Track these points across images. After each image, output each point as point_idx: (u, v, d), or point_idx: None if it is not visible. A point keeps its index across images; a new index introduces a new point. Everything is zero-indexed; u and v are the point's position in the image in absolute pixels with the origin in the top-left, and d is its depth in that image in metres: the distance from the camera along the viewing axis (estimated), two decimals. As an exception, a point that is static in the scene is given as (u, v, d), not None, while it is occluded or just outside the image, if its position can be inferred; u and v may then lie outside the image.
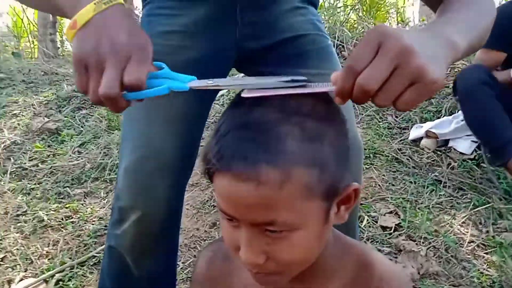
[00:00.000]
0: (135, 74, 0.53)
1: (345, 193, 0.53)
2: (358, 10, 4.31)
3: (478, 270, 1.42)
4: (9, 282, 1.48)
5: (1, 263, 1.58)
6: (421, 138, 2.24)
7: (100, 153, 2.24)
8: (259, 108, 0.49)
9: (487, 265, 1.44)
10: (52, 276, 1.49)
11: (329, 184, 0.50)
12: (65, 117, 2.65)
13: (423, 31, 0.55)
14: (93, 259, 1.58)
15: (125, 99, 0.54)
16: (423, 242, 1.57)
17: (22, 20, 5.58)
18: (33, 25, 5.54)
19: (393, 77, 0.46)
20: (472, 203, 1.75)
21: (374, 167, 2.07)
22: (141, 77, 0.53)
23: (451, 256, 1.50)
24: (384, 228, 1.69)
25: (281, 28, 0.93)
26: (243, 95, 0.50)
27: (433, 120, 2.31)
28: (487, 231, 1.60)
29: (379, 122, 2.48)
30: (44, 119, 2.61)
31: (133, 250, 0.92)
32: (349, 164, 0.54)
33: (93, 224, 1.76)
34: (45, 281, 1.48)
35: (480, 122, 1.82)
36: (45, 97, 2.93)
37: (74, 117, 2.63)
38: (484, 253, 1.50)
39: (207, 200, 1.89)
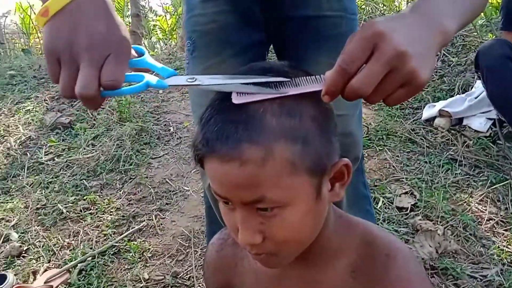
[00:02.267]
0: (113, 74, 0.50)
1: (335, 169, 0.54)
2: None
3: (498, 247, 1.41)
4: (34, 273, 1.52)
5: (25, 255, 1.62)
6: (435, 117, 2.21)
7: (113, 145, 2.26)
8: None
9: (507, 241, 1.43)
10: (75, 266, 1.52)
11: (314, 159, 0.50)
12: (77, 111, 2.67)
13: (415, 15, 0.51)
14: (113, 249, 1.61)
15: (102, 97, 0.52)
16: (440, 222, 1.56)
17: (30, 16, 5.60)
18: (41, 21, 5.54)
19: (386, 80, 0.47)
20: (489, 181, 1.73)
21: (388, 148, 2.06)
22: (119, 78, 0.51)
23: (470, 234, 1.49)
24: (400, 209, 1.69)
25: (307, 0, 0.92)
26: (234, 101, 0.49)
27: (446, 99, 2.28)
28: (506, 208, 1.59)
29: (391, 103, 2.46)
30: (57, 113, 2.64)
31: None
32: (336, 141, 0.54)
33: (111, 215, 1.79)
34: (69, 271, 1.51)
35: (504, 97, 1.78)
36: (56, 92, 2.95)
37: (86, 111, 2.65)
38: (504, 230, 1.49)
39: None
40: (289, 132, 0.48)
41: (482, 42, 2.68)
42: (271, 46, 1.04)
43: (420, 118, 2.26)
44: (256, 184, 0.48)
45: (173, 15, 5.78)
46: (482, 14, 3.40)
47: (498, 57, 1.77)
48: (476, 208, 1.62)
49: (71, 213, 1.80)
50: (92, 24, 0.51)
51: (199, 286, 1.43)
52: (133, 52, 0.56)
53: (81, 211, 1.81)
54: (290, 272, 0.65)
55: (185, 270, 1.51)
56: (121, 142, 2.30)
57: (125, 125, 2.44)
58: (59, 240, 1.66)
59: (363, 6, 3.72)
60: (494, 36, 2.77)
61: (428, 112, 2.25)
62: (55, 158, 2.23)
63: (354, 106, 1.00)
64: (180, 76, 0.54)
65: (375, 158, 2.01)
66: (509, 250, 1.40)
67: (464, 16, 0.55)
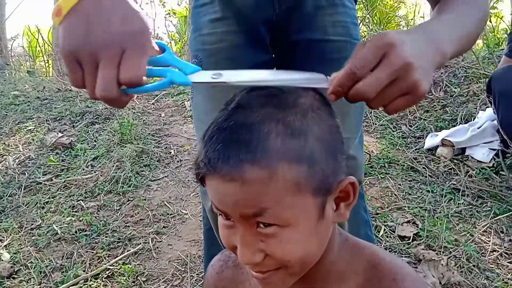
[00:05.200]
0: (132, 70, 0.48)
1: (340, 188, 0.52)
2: (368, 22, 4.32)
3: (502, 279, 1.37)
4: (23, 295, 1.47)
5: (16, 276, 1.57)
6: (437, 147, 2.20)
7: (113, 166, 2.24)
8: (242, 109, 0.50)
9: (511, 274, 1.39)
10: (66, 289, 1.48)
11: (320, 179, 0.49)
12: (79, 132, 2.67)
13: (420, 33, 0.56)
14: (107, 272, 1.56)
15: (125, 94, 0.49)
16: (443, 252, 1.52)
17: (37, 40, 5.70)
18: (48, 45, 5.65)
19: (390, 87, 0.49)
20: (492, 211, 1.70)
21: (390, 177, 2.03)
22: (138, 73, 0.48)
23: (473, 265, 1.45)
24: (402, 237, 1.65)
25: (314, 25, 0.93)
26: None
27: (449, 129, 2.27)
28: (510, 240, 1.55)
29: (393, 131, 2.45)
30: (58, 134, 2.63)
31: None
32: (343, 159, 0.53)
33: (106, 237, 1.75)
34: (59, 294, 1.46)
35: None
36: (59, 113, 2.96)
37: (88, 132, 2.65)
38: (508, 262, 1.45)
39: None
40: (294, 153, 0.47)
41: (484, 74, 2.69)
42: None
43: (422, 147, 2.25)
44: (257, 201, 0.47)
45: (179, 42, 5.88)
46: (485, 46, 3.44)
47: None
48: (479, 239, 1.58)
49: (65, 234, 1.76)
50: (106, 18, 0.48)
51: (194, 313, 1.39)
52: (155, 46, 0.53)
53: (76, 232, 1.78)
54: None
55: (180, 295, 1.47)
56: (121, 164, 2.28)
57: (126, 146, 2.43)
58: (52, 262, 1.62)
59: (366, 37, 3.78)
60: (495, 68, 2.78)
61: (430, 141, 2.24)
62: (53, 178, 2.21)
63: (356, 129, 1.00)
64: (205, 71, 0.52)
65: (377, 186, 1.98)
66: (514, 283, 1.35)
67: (461, 43, 0.60)
